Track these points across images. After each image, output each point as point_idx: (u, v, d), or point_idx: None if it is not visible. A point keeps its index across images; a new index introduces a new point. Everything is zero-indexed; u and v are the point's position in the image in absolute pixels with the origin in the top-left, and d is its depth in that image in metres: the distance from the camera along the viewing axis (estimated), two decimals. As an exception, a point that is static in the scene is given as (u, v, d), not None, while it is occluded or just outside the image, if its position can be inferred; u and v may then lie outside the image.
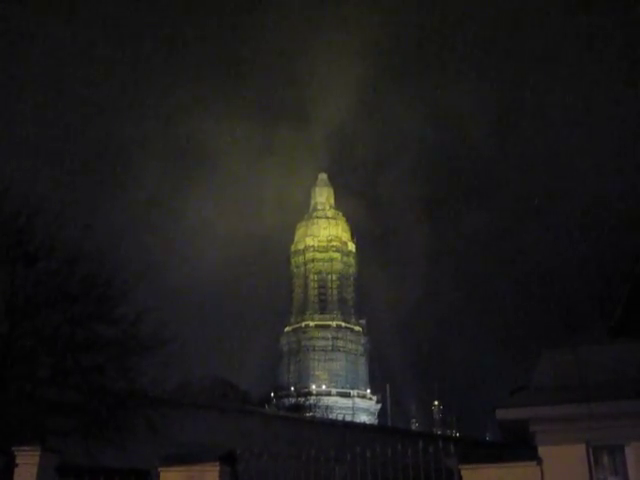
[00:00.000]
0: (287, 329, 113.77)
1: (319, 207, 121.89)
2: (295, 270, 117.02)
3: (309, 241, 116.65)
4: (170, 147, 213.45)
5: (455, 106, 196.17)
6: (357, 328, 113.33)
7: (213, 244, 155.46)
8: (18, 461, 12.94)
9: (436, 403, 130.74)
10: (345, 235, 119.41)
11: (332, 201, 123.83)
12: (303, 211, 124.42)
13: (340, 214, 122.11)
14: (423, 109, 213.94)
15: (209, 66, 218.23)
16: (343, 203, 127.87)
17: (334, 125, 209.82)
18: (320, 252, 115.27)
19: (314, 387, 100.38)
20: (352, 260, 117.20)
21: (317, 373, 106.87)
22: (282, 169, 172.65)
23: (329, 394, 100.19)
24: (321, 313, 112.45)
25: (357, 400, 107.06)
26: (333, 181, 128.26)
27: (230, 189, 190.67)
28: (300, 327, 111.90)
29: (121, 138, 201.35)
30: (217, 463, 11.60)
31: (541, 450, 9.52)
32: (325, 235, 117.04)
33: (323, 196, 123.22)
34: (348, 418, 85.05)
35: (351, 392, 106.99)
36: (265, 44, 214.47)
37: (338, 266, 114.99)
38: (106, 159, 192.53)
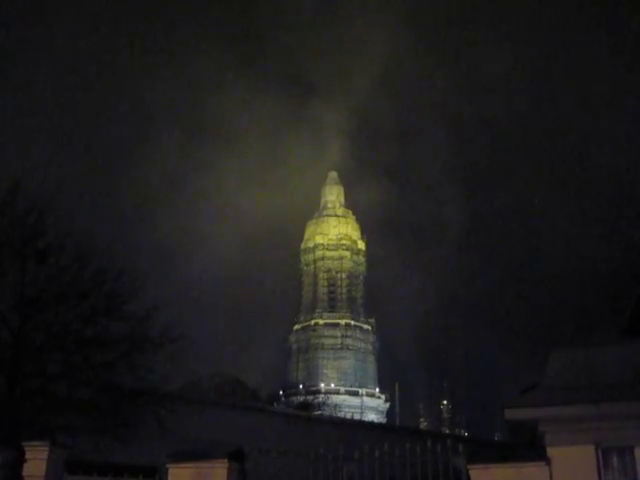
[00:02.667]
0: (296, 327, 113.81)
1: (329, 205, 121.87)
2: (305, 268, 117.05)
3: (319, 239, 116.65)
4: (188, 125, 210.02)
5: (484, 77, 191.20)
6: (366, 327, 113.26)
7: (225, 236, 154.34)
8: (27, 456, 13.01)
9: (445, 402, 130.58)
10: (355, 234, 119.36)
11: (342, 199, 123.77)
12: (313, 209, 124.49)
13: (350, 212, 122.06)
14: (451, 81, 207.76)
15: (231, 41, 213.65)
16: (358, 198, 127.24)
17: (357, 100, 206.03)
18: (330, 250, 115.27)
19: (323, 385, 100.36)
20: (362, 258, 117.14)
21: (326, 371, 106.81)
22: (301, 153, 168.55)
23: (338, 392, 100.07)
24: (330, 311, 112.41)
25: (366, 399, 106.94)
26: (344, 179, 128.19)
27: (247, 172, 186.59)
28: (309, 325, 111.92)
29: (138, 112, 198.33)
30: (226, 460, 11.62)
31: (550, 450, 9.48)
32: (335, 233, 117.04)
33: (333, 194, 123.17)
34: (357, 416, 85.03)
35: (360, 391, 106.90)
36: (287, 17, 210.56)
37: (348, 264, 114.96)
38: (122, 138, 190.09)
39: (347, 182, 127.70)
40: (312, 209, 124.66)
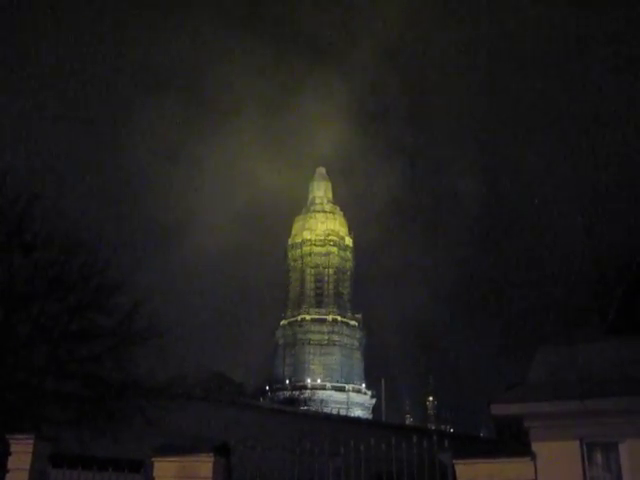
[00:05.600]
0: (283, 322, 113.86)
1: (317, 201, 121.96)
2: (292, 263, 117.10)
3: (306, 235, 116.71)
4: (186, 94, 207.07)
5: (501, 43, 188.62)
6: (353, 322, 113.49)
7: (215, 226, 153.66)
8: (12, 449, 12.90)
9: (430, 399, 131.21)
10: (342, 230, 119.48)
11: (330, 195, 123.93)
12: (301, 204, 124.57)
13: (338, 208, 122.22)
14: (462, 47, 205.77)
15: (231, 14, 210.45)
16: (367, 185, 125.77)
17: (363, 71, 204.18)
18: (317, 246, 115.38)
19: (309, 381, 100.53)
20: (349, 254, 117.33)
21: (312, 367, 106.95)
22: (294, 143, 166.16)
23: (324, 388, 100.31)
24: (317, 307, 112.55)
25: (352, 394, 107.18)
26: (345, 169, 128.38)
27: (242, 147, 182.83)
28: (296, 320, 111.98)
29: (135, 81, 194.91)
30: (211, 454, 11.58)
31: (535, 446, 9.51)
32: (322, 229, 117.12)
33: (321, 190, 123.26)
34: (343, 412, 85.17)
35: (346, 386, 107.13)
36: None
37: (335, 260, 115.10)
38: (117, 108, 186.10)
39: (347, 172, 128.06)
40: (300, 203, 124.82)
